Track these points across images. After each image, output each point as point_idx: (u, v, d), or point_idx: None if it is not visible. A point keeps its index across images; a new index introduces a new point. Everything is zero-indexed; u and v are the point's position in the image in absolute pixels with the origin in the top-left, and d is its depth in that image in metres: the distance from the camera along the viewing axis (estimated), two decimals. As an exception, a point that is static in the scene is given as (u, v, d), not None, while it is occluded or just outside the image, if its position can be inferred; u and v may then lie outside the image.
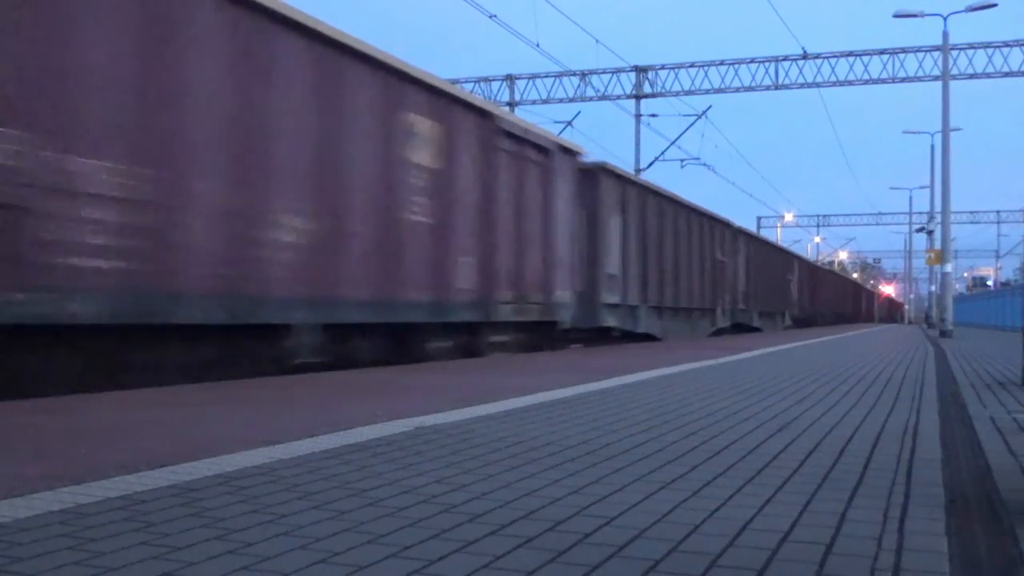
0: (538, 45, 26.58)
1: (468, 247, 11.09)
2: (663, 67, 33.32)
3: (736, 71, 32.42)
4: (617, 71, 33.59)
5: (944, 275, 25.59)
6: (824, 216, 77.69)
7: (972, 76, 30.43)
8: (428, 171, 10.16)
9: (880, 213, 76.56)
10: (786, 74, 32.15)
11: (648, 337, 19.00)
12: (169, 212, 6.82)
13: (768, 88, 32.40)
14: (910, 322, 70.38)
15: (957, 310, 40.61)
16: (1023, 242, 74.14)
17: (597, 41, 30.09)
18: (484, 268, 11.48)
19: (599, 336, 16.80)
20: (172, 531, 2.32)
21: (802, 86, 32.07)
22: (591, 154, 16.12)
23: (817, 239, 79.81)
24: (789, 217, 74.95)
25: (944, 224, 25.28)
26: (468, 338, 11.67)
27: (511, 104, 33.40)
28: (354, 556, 2.11)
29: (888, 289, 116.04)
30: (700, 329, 23.56)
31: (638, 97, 33.36)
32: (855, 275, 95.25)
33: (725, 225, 26.35)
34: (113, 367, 6.71)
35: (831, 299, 53.97)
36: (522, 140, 12.62)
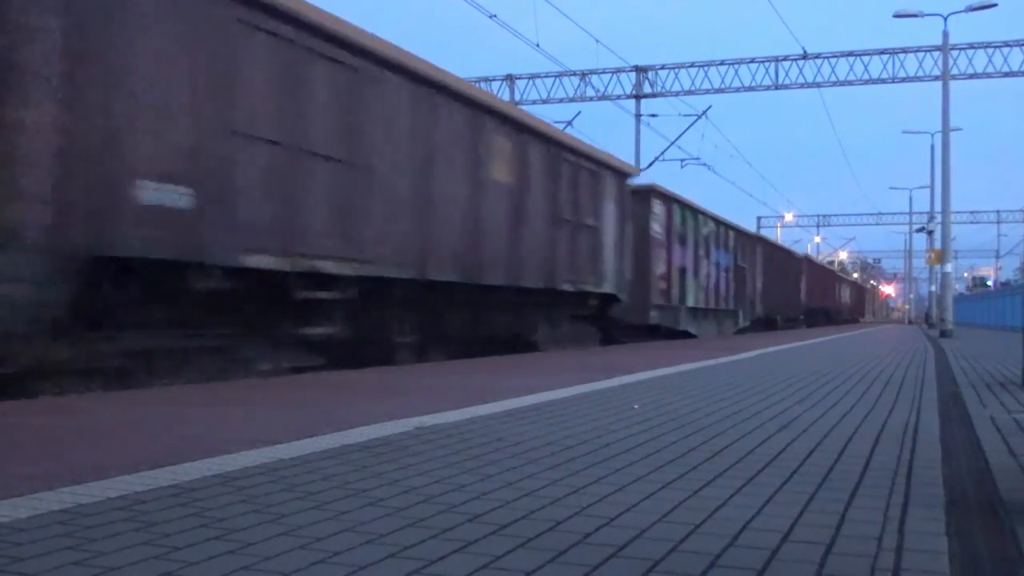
0: (538, 45, 26.52)
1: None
2: (663, 67, 33.27)
3: (736, 71, 32.38)
4: (617, 71, 33.54)
5: (944, 275, 25.59)
6: (824, 216, 77.67)
7: (972, 76, 30.39)
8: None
9: (880, 213, 76.42)
10: (786, 74, 32.13)
11: (686, 335, 21.03)
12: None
13: (768, 88, 32.36)
14: (910, 322, 70.30)
15: (957, 310, 40.59)
16: (1023, 242, 74.17)
17: (597, 41, 30.06)
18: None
19: (648, 335, 18.94)
20: (172, 531, 2.32)
21: (802, 86, 32.03)
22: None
23: (817, 239, 79.84)
24: (789, 217, 74.95)
25: (944, 224, 25.29)
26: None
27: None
28: (354, 556, 2.11)
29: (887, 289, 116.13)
30: (726, 328, 26.06)
31: (638, 97, 33.32)
32: (855, 275, 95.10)
33: (746, 234, 28.68)
34: None
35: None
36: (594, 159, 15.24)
